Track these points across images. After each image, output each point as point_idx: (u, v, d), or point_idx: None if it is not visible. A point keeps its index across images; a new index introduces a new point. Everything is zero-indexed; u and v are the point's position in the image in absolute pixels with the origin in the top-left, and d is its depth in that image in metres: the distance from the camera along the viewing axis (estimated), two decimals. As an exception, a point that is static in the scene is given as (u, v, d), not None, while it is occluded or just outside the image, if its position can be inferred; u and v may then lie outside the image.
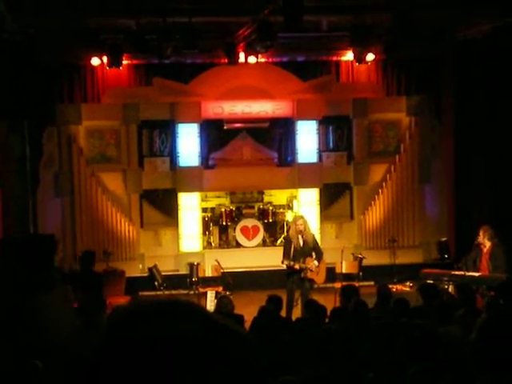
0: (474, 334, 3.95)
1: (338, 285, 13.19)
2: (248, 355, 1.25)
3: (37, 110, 14.50)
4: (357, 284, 13.08)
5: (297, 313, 11.52)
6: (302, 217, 12.78)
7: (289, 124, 16.57)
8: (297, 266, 11.81)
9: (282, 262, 11.89)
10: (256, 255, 16.11)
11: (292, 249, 11.87)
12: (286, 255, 11.92)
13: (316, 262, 11.94)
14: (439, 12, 13.04)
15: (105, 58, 14.41)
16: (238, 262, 15.46)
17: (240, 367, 1.22)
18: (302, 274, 11.88)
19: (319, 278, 12.14)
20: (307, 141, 16.36)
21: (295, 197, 16.83)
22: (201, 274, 13.60)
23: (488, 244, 11.85)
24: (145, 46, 13.17)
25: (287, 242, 12.13)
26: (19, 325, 5.99)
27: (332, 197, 16.88)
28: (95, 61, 14.78)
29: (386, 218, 16.66)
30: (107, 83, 15.51)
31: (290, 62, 16.03)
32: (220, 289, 12.85)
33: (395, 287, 13.97)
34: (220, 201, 17.01)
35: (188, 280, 13.96)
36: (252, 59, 14.63)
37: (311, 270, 11.93)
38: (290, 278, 11.93)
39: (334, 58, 16.05)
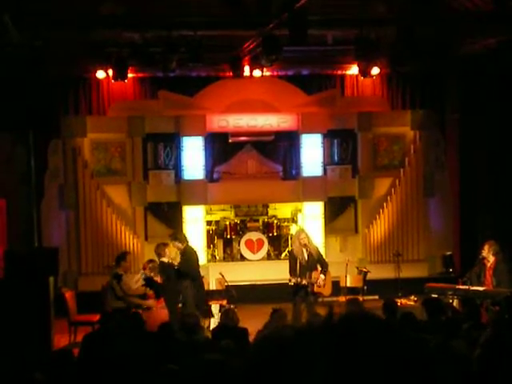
0: (477, 349, 3.93)
1: (342, 299, 13.17)
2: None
3: (42, 122, 14.51)
4: (361, 298, 13.06)
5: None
6: (303, 230, 12.76)
7: (294, 137, 16.58)
8: (304, 282, 11.77)
9: (290, 281, 11.84)
10: (260, 268, 16.09)
11: (298, 265, 11.83)
12: (292, 272, 11.86)
13: (322, 276, 11.92)
14: (444, 26, 13.07)
15: (110, 71, 14.45)
16: (242, 275, 15.44)
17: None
18: (309, 289, 11.85)
19: (326, 290, 12.12)
20: (312, 154, 16.35)
21: (300, 210, 16.81)
22: (205, 287, 13.57)
23: (492, 259, 11.82)
24: (150, 59, 13.21)
25: (292, 259, 12.07)
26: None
27: (336, 210, 16.86)
28: (101, 74, 14.83)
29: (390, 231, 16.63)
30: (112, 96, 15.57)
31: (295, 75, 16.07)
32: (224, 302, 12.82)
33: (400, 301, 13.93)
34: (224, 214, 17.00)
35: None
36: (257, 73, 14.66)
37: (318, 285, 11.90)
38: (298, 294, 11.89)
39: (339, 72, 16.10)
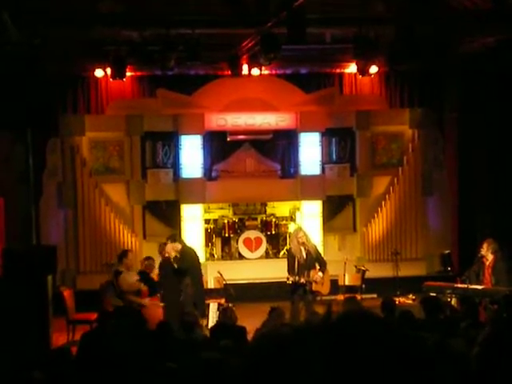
0: (476, 348, 3.93)
1: (340, 297, 13.17)
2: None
3: (40, 120, 14.52)
4: (359, 296, 13.07)
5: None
6: (301, 229, 12.77)
7: (292, 136, 16.57)
8: (302, 281, 11.78)
9: (288, 279, 11.85)
10: (259, 267, 16.09)
11: (296, 263, 11.83)
12: (290, 271, 11.87)
13: (320, 274, 11.93)
14: (443, 25, 13.07)
15: (108, 70, 14.44)
16: (240, 273, 15.43)
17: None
18: (307, 287, 11.86)
19: (324, 289, 12.13)
20: (310, 153, 16.35)
21: (298, 209, 16.81)
22: (204, 286, 13.56)
23: (491, 257, 11.82)
24: (148, 58, 13.19)
25: (290, 257, 12.08)
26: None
27: (335, 209, 16.86)
28: (99, 72, 14.83)
29: (388, 230, 16.63)
30: (111, 94, 15.56)
31: (294, 74, 16.06)
32: (222, 301, 12.82)
33: (398, 300, 13.94)
34: (223, 212, 16.99)
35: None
36: (255, 71, 14.66)
37: (316, 283, 11.91)
38: (296, 293, 11.90)
39: (338, 71, 16.10)
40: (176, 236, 13.04)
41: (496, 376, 2.97)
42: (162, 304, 11.92)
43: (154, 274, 12.43)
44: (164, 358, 6.42)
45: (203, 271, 14.25)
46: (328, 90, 16.14)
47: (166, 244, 12.35)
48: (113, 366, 5.62)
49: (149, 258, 12.87)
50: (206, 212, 16.69)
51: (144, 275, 12.22)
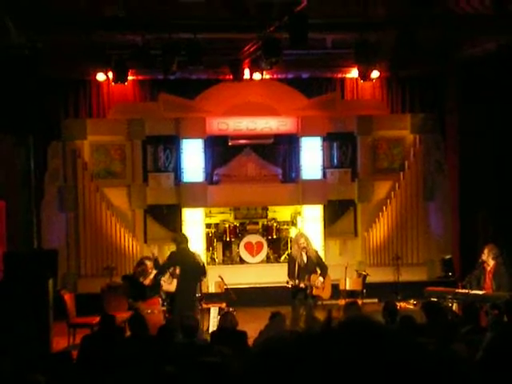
0: (480, 352, 3.94)
1: (341, 302, 13.17)
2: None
3: (42, 124, 14.52)
4: (360, 301, 13.05)
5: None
6: (303, 234, 12.76)
7: (293, 140, 16.59)
8: (302, 285, 11.78)
9: (287, 283, 11.85)
10: (260, 271, 16.08)
11: (296, 267, 11.83)
12: (290, 275, 11.88)
13: (321, 279, 11.93)
14: (444, 30, 13.08)
15: (110, 74, 14.45)
16: (241, 278, 15.43)
17: None
18: (308, 291, 11.86)
19: (325, 294, 12.12)
20: (311, 157, 16.36)
21: (299, 213, 16.81)
22: (204, 290, 13.54)
23: (492, 263, 11.81)
24: (150, 62, 13.20)
25: (291, 262, 12.09)
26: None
27: (336, 213, 16.86)
28: (101, 76, 14.84)
29: (390, 235, 16.63)
30: (112, 98, 15.56)
31: (295, 78, 16.06)
32: (223, 305, 12.80)
33: (399, 305, 13.92)
34: (224, 217, 17.00)
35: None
36: (257, 76, 14.66)
37: (317, 287, 11.91)
38: (296, 297, 11.90)
39: (339, 75, 16.09)
40: (177, 237, 12.56)
41: (500, 381, 2.97)
42: (160, 310, 11.91)
43: (149, 279, 12.29)
44: (164, 361, 6.42)
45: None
46: (329, 95, 16.14)
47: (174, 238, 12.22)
48: (113, 368, 5.62)
49: (141, 264, 12.66)
50: (207, 216, 16.69)
51: (131, 281, 12.15)
